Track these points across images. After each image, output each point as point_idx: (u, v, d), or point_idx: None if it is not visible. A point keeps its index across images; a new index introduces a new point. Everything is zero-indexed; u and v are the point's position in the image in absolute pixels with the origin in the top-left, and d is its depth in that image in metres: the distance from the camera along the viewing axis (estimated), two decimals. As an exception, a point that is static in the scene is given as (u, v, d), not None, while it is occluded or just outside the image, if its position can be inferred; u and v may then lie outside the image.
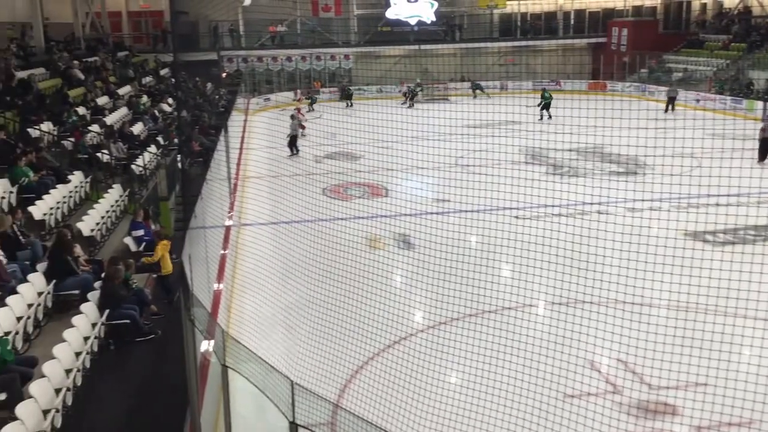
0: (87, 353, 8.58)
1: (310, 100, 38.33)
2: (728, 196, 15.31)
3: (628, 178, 19.62)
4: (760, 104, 31.22)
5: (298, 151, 26.13)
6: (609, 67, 42.61)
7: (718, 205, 14.54)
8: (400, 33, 45.54)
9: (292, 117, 27.09)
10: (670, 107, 33.67)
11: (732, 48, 38.09)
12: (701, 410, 7.30)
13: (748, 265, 7.97)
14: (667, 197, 15.76)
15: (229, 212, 15.32)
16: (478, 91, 41.03)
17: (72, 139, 17.12)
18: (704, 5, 45.20)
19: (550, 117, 31.59)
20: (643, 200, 16.45)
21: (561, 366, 8.08)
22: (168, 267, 11.50)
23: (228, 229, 13.91)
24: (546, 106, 31.94)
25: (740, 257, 8.37)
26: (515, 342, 8.68)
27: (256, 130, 30.71)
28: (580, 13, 48.11)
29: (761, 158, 21.33)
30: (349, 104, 38.49)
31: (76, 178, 14.81)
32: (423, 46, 44.23)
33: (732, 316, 9.29)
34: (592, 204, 16.10)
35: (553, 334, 8.68)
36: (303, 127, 29.21)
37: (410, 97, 37.45)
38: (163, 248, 11.64)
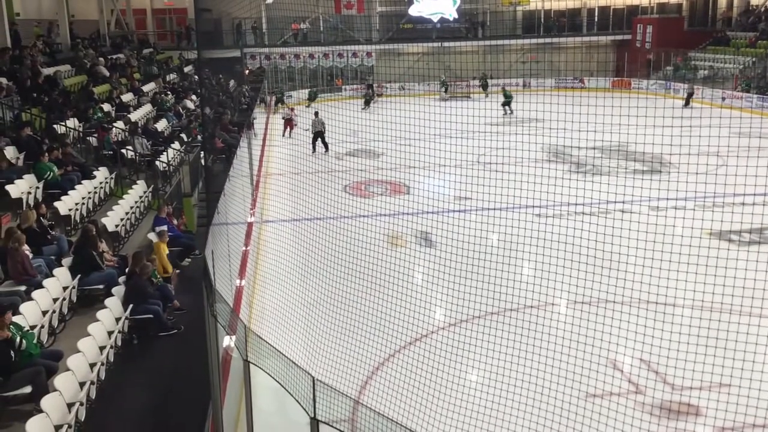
0: (111, 347, 8.68)
1: (278, 97, 37.46)
2: (754, 195, 15.14)
3: (652, 177, 19.45)
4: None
5: (327, 148, 25.89)
6: (633, 65, 42.20)
7: (744, 204, 14.39)
8: (422, 30, 45.40)
9: (317, 114, 27.05)
10: (687, 104, 33.55)
11: (759, 46, 37.57)
12: (725, 411, 7.23)
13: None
14: (692, 196, 15.59)
15: (251, 209, 15.40)
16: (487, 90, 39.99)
17: (97, 136, 17.30)
18: (731, 2, 44.61)
19: (511, 112, 32.68)
20: (667, 199, 16.30)
21: (583, 365, 8.04)
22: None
23: (250, 225, 13.99)
24: (507, 103, 32.95)
25: (766, 257, 8.27)
26: (537, 340, 8.65)
27: (278, 127, 30.83)
28: (604, 9, 47.66)
29: None
30: (309, 105, 36.97)
31: (101, 174, 14.97)
32: (445, 44, 44.08)
33: (757, 317, 9.19)
34: (615, 203, 15.99)
35: (575, 333, 8.62)
36: (291, 128, 29.20)
37: (366, 100, 35.89)
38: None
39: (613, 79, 42.46)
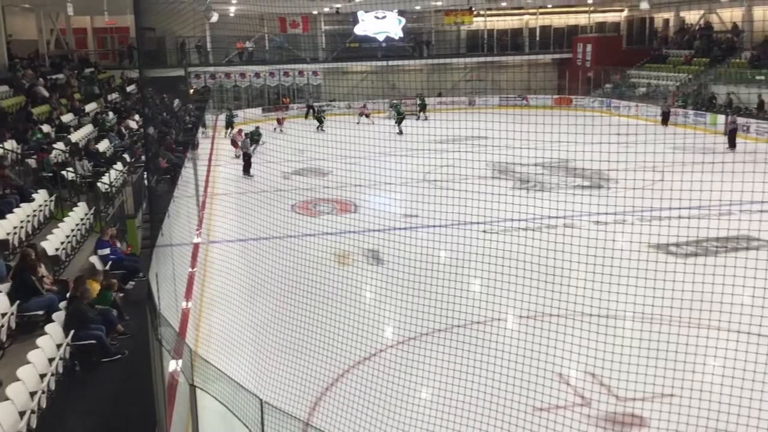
0: (52, 375, 8.44)
1: (228, 119, 36.15)
2: (689, 209, 15.59)
3: (592, 192, 19.89)
4: (722, 118, 31.92)
5: (248, 172, 25.27)
6: (574, 83, 43.23)
7: (680, 217, 14.84)
8: (368, 49, 45.77)
9: (247, 136, 26.65)
10: (664, 122, 34.34)
11: (694, 63, 38.90)
12: (667, 421, 7.41)
13: (711, 277, 8.14)
14: (631, 210, 16.02)
15: (197, 229, 15.22)
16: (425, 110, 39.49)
17: (36, 157, 16.90)
18: (667, 21, 46.14)
19: (400, 132, 32.92)
20: (606, 213, 16.67)
21: (530, 380, 8.15)
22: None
23: (196, 246, 13.82)
24: (399, 121, 34.11)
25: (702, 269, 8.53)
26: (484, 356, 8.74)
27: (224, 146, 30.65)
28: (545, 29, 48.82)
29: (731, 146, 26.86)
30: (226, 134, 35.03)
31: (41, 196, 14.61)
32: (391, 62, 44.50)
33: (696, 327, 9.46)
34: (557, 218, 16.27)
35: (522, 348, 8.75)
36: (236, 146, 28.94)
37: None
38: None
39: (555, 97, 43.39)
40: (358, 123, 33.78)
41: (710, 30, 41.33)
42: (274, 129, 35.28)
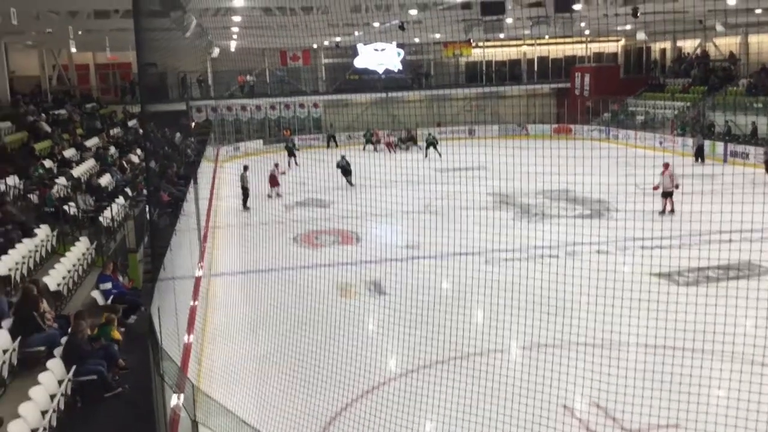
0: (54, 411, 8.40)
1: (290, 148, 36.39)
2: (690, 236, 15.59)
3: (592, 222, 19.86)
4: (721, 145, 32.02)
5: (244, 205, 25.11)
6: (573, 112, 43.49)
7: (680, 246, 14.83)
8: (368, 81, 46.13)
9: (245, 169, 26.13)
10: (699, 158, 31.44)
11: (692, 91, 39.15)
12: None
13: (713, 307, 8.13)
14: (631, 238, 16.00)
15: (199, 263, 15.23)
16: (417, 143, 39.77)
17: (38, 193, 16.97)
18: (663, 50, 46.53)
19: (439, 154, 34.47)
20: (607, 242, 16.66)
21: (535, 412, 8.10)
22: None
23: (198, 279, 13.82)
24: (431, 144, 35.55)
25: (704, 299, 8.52)
26: (488, 389, 8.69)
27: (225, 179, 30.73)
28: (543, 59, 49.27)
29: None
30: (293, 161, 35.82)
31: (43, 231, 14.64)
32: (391, 94, 44.83)
33: (699, 357, 9.41)
34: (559, 248, 16.26)
35: (525, 380, 8.71)
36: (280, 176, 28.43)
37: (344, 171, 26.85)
38: None
39: (555, 126, 43.61)
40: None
41: (707, 58, 41.65)
42: (375, 149, 37.46)
